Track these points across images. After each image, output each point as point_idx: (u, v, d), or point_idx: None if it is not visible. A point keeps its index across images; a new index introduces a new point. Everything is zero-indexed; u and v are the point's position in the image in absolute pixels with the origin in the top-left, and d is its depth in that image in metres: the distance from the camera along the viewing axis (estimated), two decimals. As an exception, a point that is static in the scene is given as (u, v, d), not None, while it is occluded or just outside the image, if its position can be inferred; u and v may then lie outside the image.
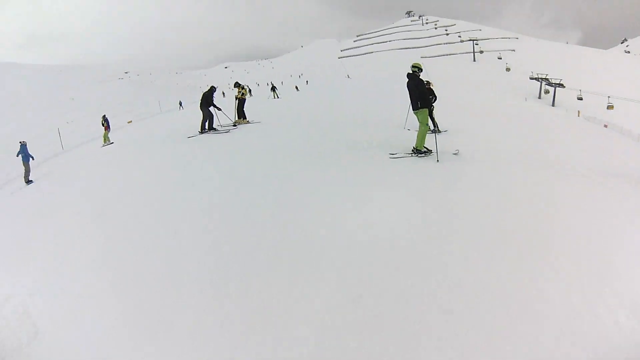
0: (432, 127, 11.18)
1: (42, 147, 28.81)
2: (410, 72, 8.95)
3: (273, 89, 40.58)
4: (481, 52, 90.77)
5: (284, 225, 5.95)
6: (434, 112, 10.94)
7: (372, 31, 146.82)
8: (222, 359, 3.68)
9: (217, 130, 14.57)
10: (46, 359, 4.25)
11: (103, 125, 23.53)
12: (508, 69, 74.39)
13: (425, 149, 8.96)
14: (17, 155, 16.59)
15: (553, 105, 49.35)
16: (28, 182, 15.78)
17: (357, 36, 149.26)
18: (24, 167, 16.27)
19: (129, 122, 40.36)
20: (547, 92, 55.92)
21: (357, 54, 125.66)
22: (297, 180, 7.85)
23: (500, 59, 79.76)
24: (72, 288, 5.40)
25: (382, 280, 4.40)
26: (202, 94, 15.01)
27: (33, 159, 16.83)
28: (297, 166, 8.79)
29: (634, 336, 3.69)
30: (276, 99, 35.32)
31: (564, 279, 4.36)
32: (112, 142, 21.73)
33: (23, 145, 16.73)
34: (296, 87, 45.29)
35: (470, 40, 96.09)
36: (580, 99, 48.19)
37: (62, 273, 5.88)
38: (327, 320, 3.92)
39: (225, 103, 17.69)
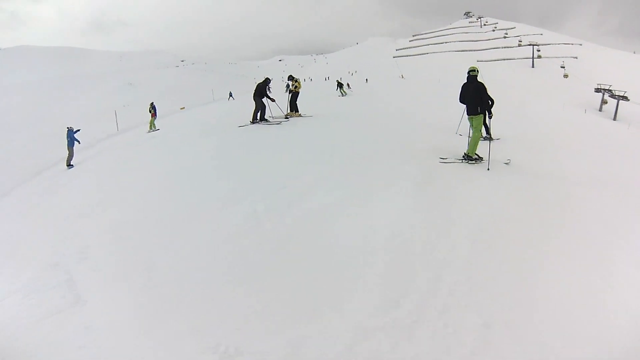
0: (484, 134, 10.94)
1: (100, 128, 30.29)
2: (469, 75, 8.81)
3: (340, 85, 33.86)
4: (539, 57, 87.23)
5: (321, 226, 5.98)
6: (487, 118, 10.68)
7: (429, 31, 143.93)
8: (253, 348, 3.75)
9: (269, 121, 14.77)
10: (83, 324, 4.49)
11: (150, 112, 24.32)
12: (566, 76, 71.44)
13: (476, 156, 8.77)
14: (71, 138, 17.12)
15: (614, 119, 46.87)
16: (69, 166, 16.18)
17: (413, 36, 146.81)
18: (67, 151, 16.73)
19: (181, 109, 41.60)
20: (605, 102, 53.28)
21: (412, 54, 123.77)
22: (336, 180, 7.83)
23: (564, 67, 75.85)
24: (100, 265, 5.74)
25: (422, 286, 4.38)
26: (256, 84, 15.27)
27: (79, 142, 17.30)
28: (340, 165, 8.77)
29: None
30: (343, 96, 30.29)
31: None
32: (159, 129, 22.33)
33: (70, 131, 17.09)
34: (347, 85, 43.70)
35: (530, 44, 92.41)
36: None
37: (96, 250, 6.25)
38: (363, 321, 3.93)
39: (276, 95, 17.93)
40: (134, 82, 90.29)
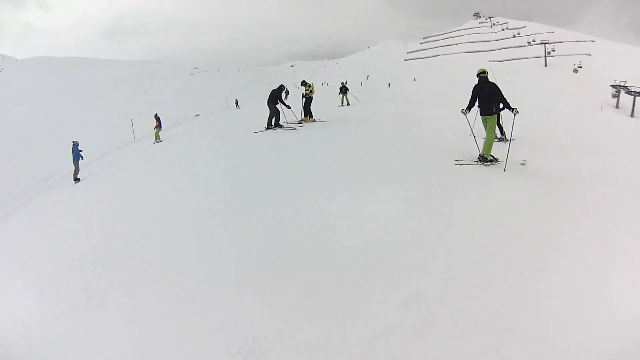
0: (499, 135, 10.93)
1: (116, 136, 30.87)
2: (479, 77, 8.81)
3: (343, 90, 25.28)
4: (549, 52, 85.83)
5: (334, 229, 6.07)
6: (501, 119, 10.65)
7: (439, 33, 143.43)
8: (274, 337, 3.89)
9: (283, 126, 14.93)
10: (98, 323, 4.61)
11: (156, 124, 24.23)
12: (576, 71, 70.65)
13: (491, 157, 8.79)
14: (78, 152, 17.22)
15: (632, 115, 46.04)
16: (76, 180, 16.27)
17: (424, 38, 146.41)
18: (73, 166, 16.82)
19: (196, 115, 42.18)
20: (616, 95, 52.65)
21: (424, 56, 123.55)
22: (350, 183, 7.86)
23: (581, 67, 73.50)
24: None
25: (433, 288, 4.45)
26: (270, 91, 15.45)
27: (82, 158, 17.31)
28: (353, 169, 8.83)
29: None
30: (345, 106, 24.21)
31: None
32: (162, 141, 22.44)
33: (75, 145, 17.19)
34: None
35: (542, 43, 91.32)
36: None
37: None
38: (377, 319, 4.02)
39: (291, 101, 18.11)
40: (148, 90, 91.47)
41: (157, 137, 23.47)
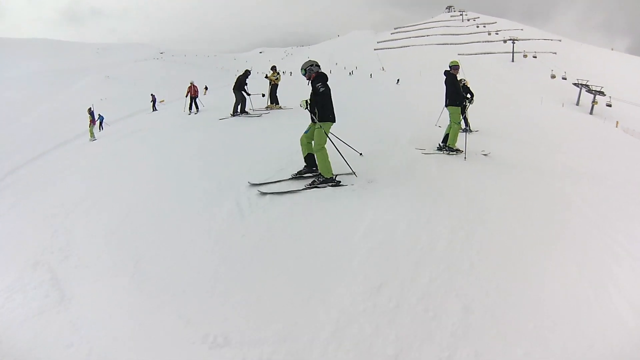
0: (463, 126, 11.04)
1: (77, 123, 29.78)
2: (448, 69, 8.91)
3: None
4: (529, 56, 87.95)
5: (302, 220, 5.93)
6: (467, 111, 10.80)
7: (410, 24, 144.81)
8: (244, 329, 3.79)
9: (249, 114, 14.67)
10: (68, 323, 4.37)
11: (89, 119, 22.51)
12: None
13: (455, 148, 8.88)
14: None
15: (591, 113, 47.81)
16: None
17: (395, 29, 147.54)
18: None
19: (161, 102, 41.18)
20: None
21: (394, 46, 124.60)
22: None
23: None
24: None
25: (403, 273, 4.43)
26: (236, 77, 15.16)
27: None
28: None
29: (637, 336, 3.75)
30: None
31: (570, 278, 4.44)
32: (96, 139, 20.20)
33: None
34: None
35: (510, 39, 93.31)
36: (609, 105, 48.20)
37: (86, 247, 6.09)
38: (347, 307, 3.98)
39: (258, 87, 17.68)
40: (111, 75, 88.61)
41: (91, 134, 21.54)
